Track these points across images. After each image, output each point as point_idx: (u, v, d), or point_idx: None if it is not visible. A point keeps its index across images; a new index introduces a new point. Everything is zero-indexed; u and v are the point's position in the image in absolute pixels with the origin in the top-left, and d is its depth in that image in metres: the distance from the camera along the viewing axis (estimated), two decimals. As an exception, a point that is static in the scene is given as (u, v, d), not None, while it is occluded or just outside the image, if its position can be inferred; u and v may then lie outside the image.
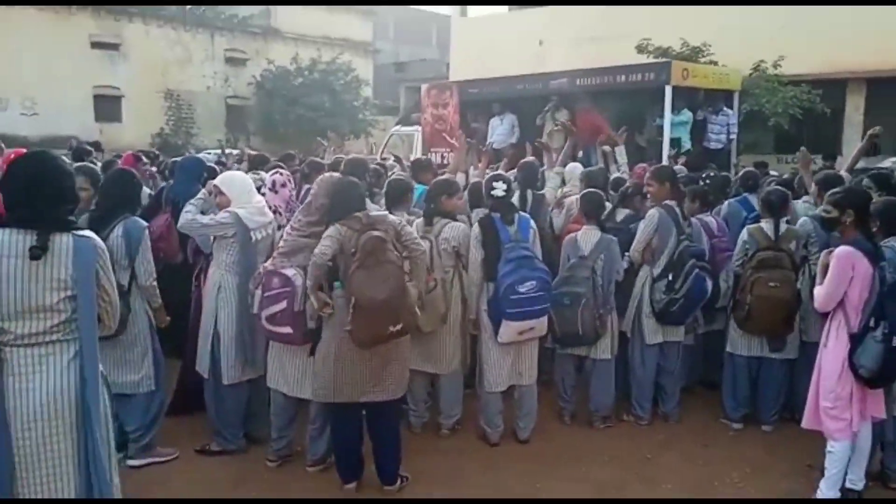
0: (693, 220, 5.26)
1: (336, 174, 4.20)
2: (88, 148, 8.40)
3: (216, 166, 7.16)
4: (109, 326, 2.67)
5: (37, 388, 2.38)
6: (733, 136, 11.28)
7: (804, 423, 3.95)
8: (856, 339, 3.71)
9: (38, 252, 2.35)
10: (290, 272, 3.79)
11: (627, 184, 5.51)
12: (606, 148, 7.55)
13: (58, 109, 24.53)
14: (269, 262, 3.95)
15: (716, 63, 13.61)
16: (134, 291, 4.06)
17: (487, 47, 20.17)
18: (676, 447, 4.66)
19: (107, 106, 26.56)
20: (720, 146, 11.12)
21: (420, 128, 14.24)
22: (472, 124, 13.71)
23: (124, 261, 4.00)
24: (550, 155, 6.46)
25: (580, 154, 10.76)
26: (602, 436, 4.81)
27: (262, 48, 30.20)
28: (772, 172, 9.56)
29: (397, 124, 17.82)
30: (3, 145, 7.25)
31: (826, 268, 3.80)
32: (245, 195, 4.26)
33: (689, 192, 5.62)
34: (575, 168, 6.80)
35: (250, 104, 29.35)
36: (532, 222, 4.57)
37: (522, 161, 6.01)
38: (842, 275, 3.71)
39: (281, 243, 3.97)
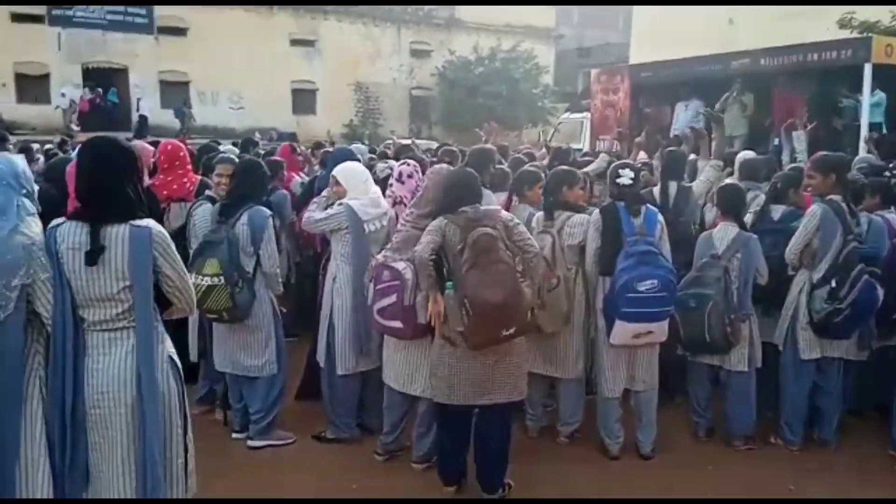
0: (872, 217, 4.57)
1: (446, 166, 4.09)
2: (256, 139, 8.94)
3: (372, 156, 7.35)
4: (184, 309, 2.76)
5: (104, 369, 2.52)
6: None
7: None
8: None
9: (93, 257, 2.46)
10: (400, 265, 3.74)
11: (776, 176, 4.87)
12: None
13: (260, 103, 26.70)
14: (381, 254, 3.93)
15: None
16: (259, 278, 4.20)
17: (671, 28, 19.09)
18: (828, 479, 4.07)
19: (303, 99, 28.52)
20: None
21: (589, 115, 13.78)
22: (644, 110, 13.07)
23: (249, 248, 4.16)
24: (707, 143, 5.89)
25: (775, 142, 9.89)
26: (739, 458, 4.32)
27: (446, 39, 30.81)
28: None
29: (567, 111, 17.38)
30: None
31: None
32: (361, 186, 4.27)
33: (870, 185, 4.89)
34: (745, 157, 6.20)
35: (433, 94, 30.12)
36: (660, 217, 4.18)
37: (668, 149, 5.56)
38: None
39: (395, 236, 3.94)
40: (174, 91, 26.38)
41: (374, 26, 29.79)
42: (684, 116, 11.46)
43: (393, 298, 3.72)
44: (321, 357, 4.32)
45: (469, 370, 3.53)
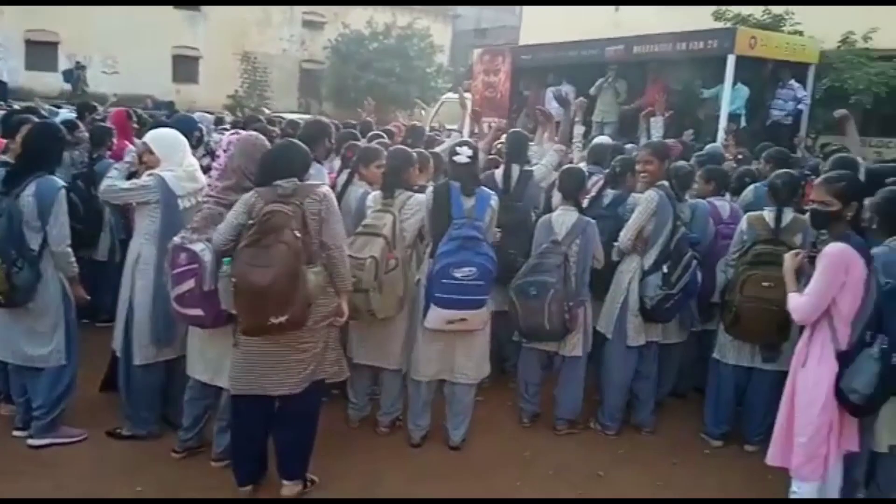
0: (698, 202, 4.61)
1: (256, 133, 3.77)
2: (93, 104, 8.24)
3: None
4: None
5: None
6: (802, 109, 10.20)
7: (769, 460, 3.32)
8: (846, 359, 3.05)
9: None
10: (197, 247, 3.37)
11: (615, 160, 4.85)
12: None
13: (137, 68, 25.08)
14: (179, 235, 3.58)
15: (801, 33, 12.37)
16: (46, 257, 3.80)
17: (561, 12, 19.19)
18: (637, 463, 4.10)
19: (184, 66, 27.07)
20: (785, 123, 10.07)
21: (470, 95, 13.67)
22: (524, 92, 13.08)
23: (35, 222, 3.74)
24: (551, 126, 5.79)
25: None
26: (556, 444, 4.30)
27: (341, 11, 29.90)
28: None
29: (450, 91, 17.24)
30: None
31: (797, 272, 3.15)
32: (176, 156, 3.89)
33: (705, 172, 4.95)
34: (595, 141, 6.19)
35: (324, 68, 29.27)
36: (493, 200, 4.02)
37: (510, 131, 5.45)
38: (833, 279, 3.05)
39: (196, 214, 3.58)
40: (41, 52, 24.46)
41: (264, -9, 28.60)
42: (555, 102, 11.52)
43: (191, 284, 3.37)
44: (117, 345, 3.95)
45: (258, 359, 3.31)
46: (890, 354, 2.98)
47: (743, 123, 9.84)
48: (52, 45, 24.89)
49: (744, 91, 9.77)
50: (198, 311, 3.42)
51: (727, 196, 4.94)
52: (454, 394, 4.10)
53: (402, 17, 29.18)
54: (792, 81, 10.09)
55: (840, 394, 3.05)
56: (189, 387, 3.78)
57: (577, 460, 4.09)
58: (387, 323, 3.99)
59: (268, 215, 3.12)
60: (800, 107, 10.19)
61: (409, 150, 4.39)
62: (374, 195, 4.13)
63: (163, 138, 4.01)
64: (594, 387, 4.56)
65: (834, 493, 3.19)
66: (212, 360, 3.63)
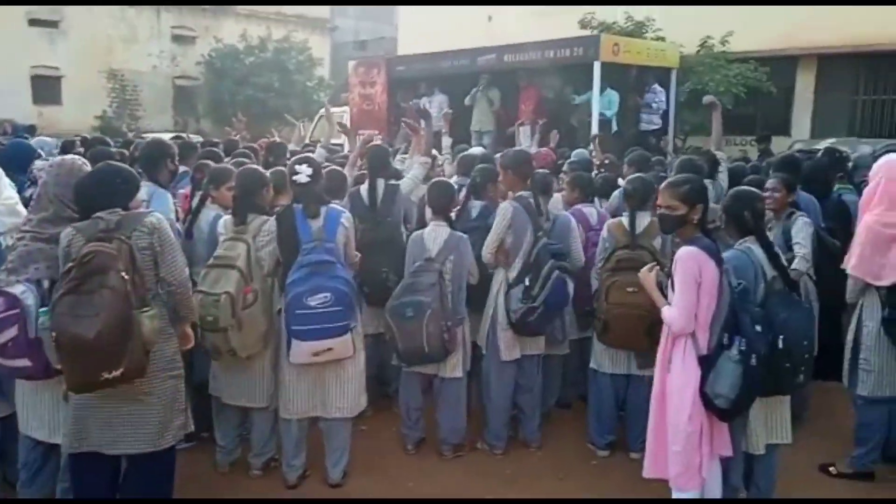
0: (558, 213, 4.60)
1: (72, 156, 3.41)
2: None
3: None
4: None
5: None
6: (663, 111, 10.63)
7: (646, 472, 3.30)
8: (707, 363, 3.07)
9: None
10: (17, 290, 3.02)
11: (474, 171, 4.78)
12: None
13: (-9, 91, 23.33)
14: None
15: (663, 39, 12.92)
16: None
17: (437, 23, 19.30)
18: (524, 483, 4.01)
19: (45, 87, 25.31)
20: (653, 127, 10.48)
21: (348, 108, 13.46)
22: (401, 104, 12.97)
23: None
24: (418, 138, 5.56)
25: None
26: (442, 470, 4.15)
27: (212, 25, 28.93)
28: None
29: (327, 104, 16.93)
30: None
31: (654, 283, 3.17)
32: None
33: (571, 180, 4.97)
34: (465, 152, 6.12)
35: (199, 84, 28.19)
36: (345, 217, 3.81)
37: (370, 144, 5.30)
38: (690, 283, 3.05)
39: (10, 253, 3.18)
40: None
41: (128, 8, 27.23)
42: (431, 109, 11.49)
43: (13, 332, 3.00)
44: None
45: (93, 411, 2.98)
46: (749, 355, 3.00)
47: (615, 128, 10.13)
48: None
49: (614, 96, 10.06)
50: (24, 362, 3.05)
51: (596, 202, 4.98)
52: (329, 429, 3.88)
53: (277, 30, 28.58)
54: (655, 86, 10.49)
55: (705, 398, 3.07)
56: (22, 446, 3.34)
57: (462, 486, 3.96)
58: (252, 359, 3.73)
59: (88, 256, 2.78)
60: (661, 110, 10.59)
61: (260, 170, 4.11)
62: (225, 221, 3.83)
63: None
64: (480, 405, 4.46)
65: (716, 495, 3.20)
66: (46, 416, 3.21)
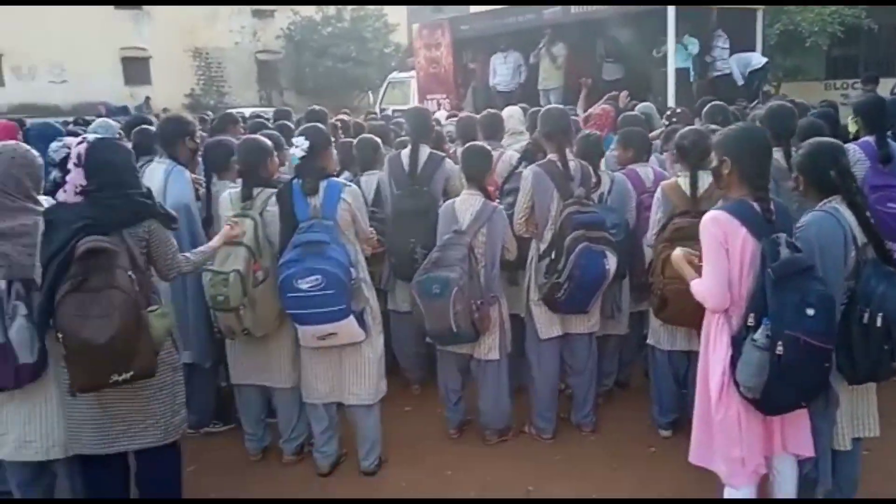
0: (615, 174, 4.17)
1: (13, 143, 3.07)
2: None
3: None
4: None
5: None
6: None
7: (692, 458, 2.88)
8: (735, 344, 2.62)
9: None
10: None
11: (528, 138, 4.39)
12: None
13: (86, 75, 24.35)
14: None
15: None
16: None
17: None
18: (573, 473, 3.67)
19: (136, 68, 26.26)
20: (724, 73, 9.59)
21: (415, 73, 13.15)
22: (469, 65, 12.57)
23: None
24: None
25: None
26: (485, 457, 3.86)
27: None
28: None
29: (394, 71, 16.66)
30: None
31: (683, 258, 2.75)
32: None
33: (622, 137, 4.50)
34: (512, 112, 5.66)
35: (280, 58, 28.51)
36: (348, 191, 3.49)
37: (411, 108, 4.97)
38: (717, 251, 2.60)
39: None
40: (-18, 66, 23.67)
41: (208, -15, 27.71)
42: (503, 70, 11.04)
43: None
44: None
45: (89, 411, 2.81)
46: (775, 342, 2.45)
47: (692, 78, 9.38)
48: (-7, 58, 24.08)
49: (692, 44, 9.29)
50: None
51: (653, 160, 4.49)
52: (354, 417, 3.65)
53: (353, -3, 28.43)
54: (719, 30, 9.56)
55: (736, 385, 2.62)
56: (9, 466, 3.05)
57: (505, 476, 3.65)
58: (268, 338, 3.54)
59: (88, 250, 2.58)
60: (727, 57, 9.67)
61: (262, 139, 3.78)
62: (231, 195, 3.61)
63: None
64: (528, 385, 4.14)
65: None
66: (17, 431, 2.85)
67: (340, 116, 6.98)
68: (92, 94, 23.63)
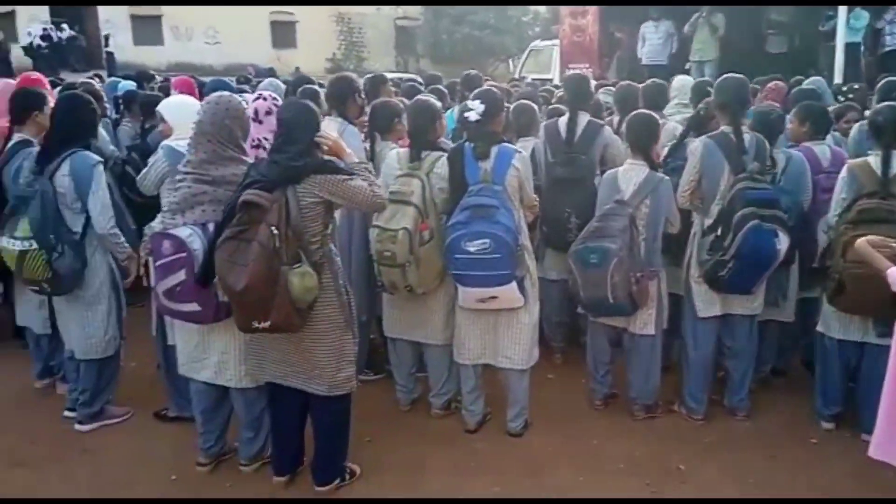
0: (793, 152, 3.94)
1: (227, 93, 3.29)
2: (151, 73, 8.25)
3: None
4: None
5: None
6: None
7: (872, 452, 2.72)
8: None
9: None
10: (183, 233, 2.96)
11: (703, 102, 4.21)
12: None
13: (237, 37, 25.55)
14: (157, 219, 3.21)
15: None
16: (92, 239, 3.61)
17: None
18: (726, 455, 3.56)
19: (283, 32, 27.31)
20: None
21: (558, 42, 12.90)
22: (615, 34, 12.22)
23: (75, 204, 3.55)
24: None
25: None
26: (632, 431, 3.81)
27: (435, -37, 29.26)
28: None
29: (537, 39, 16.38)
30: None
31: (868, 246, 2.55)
32: (186, 122, 3.43)
33: (798, 111, 4.24)
34: (684, 82, 5.50)
35: (419, 24, 28.80)
36: (518, 157, 3.48)
37: (570, 74, 4.87)
38: None
39: (174, 193, 3.12)
40: (146, 26, 25.33)
41: (354, -49, 28.27)
42: (653, 39, 10.63)
43: (181, 276, 2.95)
44: (153, 324, 3.77)
45: (270, 346, 3.03)
46: None
47: (862, 51, 8.69)
48: (156, 19, 25.74)
49: (862, 18, 8.58)
50: (193, 307, 3.00)
51: (829, 139, 4.21)
52: (506, 379, 3.69)
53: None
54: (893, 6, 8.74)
55: None
56: (193, 392, 3.37)
57: (654, 451, 3.60)
58: (426, 294, 3.63)
59: (244, 204, 2.75)
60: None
61: (431, 102, 3.87)
62: (398, 154, 3.70)
63: (172, 105, 3.75)
64: (681, 363, 4.04)
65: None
66: (215, 357, 3.19)
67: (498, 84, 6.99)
68: (242, 55, 24.69)
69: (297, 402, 3.16)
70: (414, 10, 28.78)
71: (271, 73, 22.52)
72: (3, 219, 3.60)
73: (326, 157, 2.97)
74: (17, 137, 3.89)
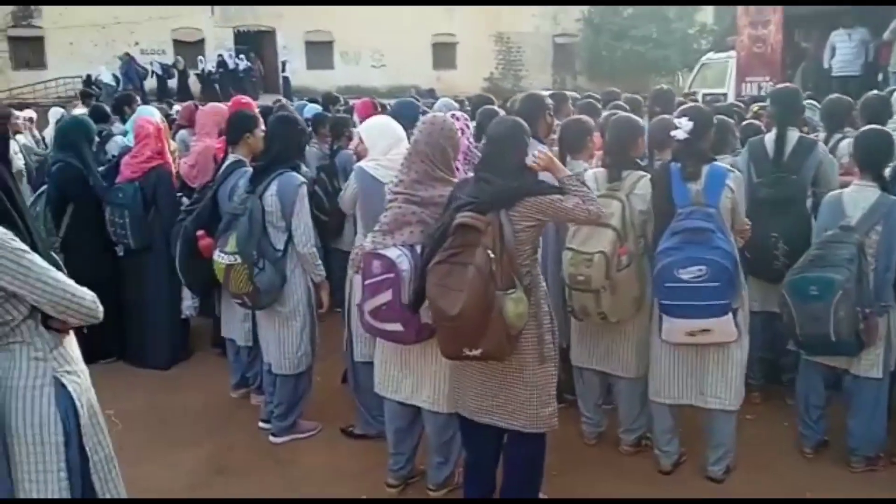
0: None
1: (441, 114, 3.30)
2: (336, 96, 8.58)
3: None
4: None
5: None
6: None
7: None
8: None
9: None
10: (392, 254, 2.95)
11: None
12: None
13: (401, 60, 26.48)
14: (368, 239, 3.24)
15: None
16: (292, 257, 3.75)
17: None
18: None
19: (443, 53, 28.00)
20: None
21: (734, 54, 12.18)
22: (801, 44, 11.39)
23: (280, 222, 3.70)
24: None
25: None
26: (851, 484, 3.41)
27: (595, -21, 28.91)
28: None
29: (710, 51, 15.56)
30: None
31: None
32: (381, 144, 3.60)
33: None
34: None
35: (577, 41, 28.52)
36: (733, 178, 3.24)
37: (779, 87, 4.50)
38: None
39: (383, 214, 3.15)
40: (318, 51, 26.84)
41: (515, -28, 28.48)
42: (844, 48, 9.78)
43: (388, 296, 2.94)
44: (345, 340, 3.84)
45: (471, 381, 2.92)
46: None
47: None
48: (328, 45, 27.22)
49: None
50: (396, 327, 2.99)
51: None
52: (711, 422, 3.42)
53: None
54: None
55: None
56: (387, 411, 3.38)
57: (876, 507, 3.21)
58: (621, 324, 3.44)
59: (460, 226, 2.68)
60: None
61: (634, 118, 3.73)
62: (595, 174, 3.55)
63: (371, 127, 3.80)
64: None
65: None
66: (411, 378, 3.19)
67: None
68: (405, 77, 25.59)
69: (493, 437, 3.03)
70: (573, 27, 28.54)
71: (431, 93, 23.19)
72: (218, 234, 3.82)
73: (538, 177, 2.88)
74: (231, 158, 4.15)
